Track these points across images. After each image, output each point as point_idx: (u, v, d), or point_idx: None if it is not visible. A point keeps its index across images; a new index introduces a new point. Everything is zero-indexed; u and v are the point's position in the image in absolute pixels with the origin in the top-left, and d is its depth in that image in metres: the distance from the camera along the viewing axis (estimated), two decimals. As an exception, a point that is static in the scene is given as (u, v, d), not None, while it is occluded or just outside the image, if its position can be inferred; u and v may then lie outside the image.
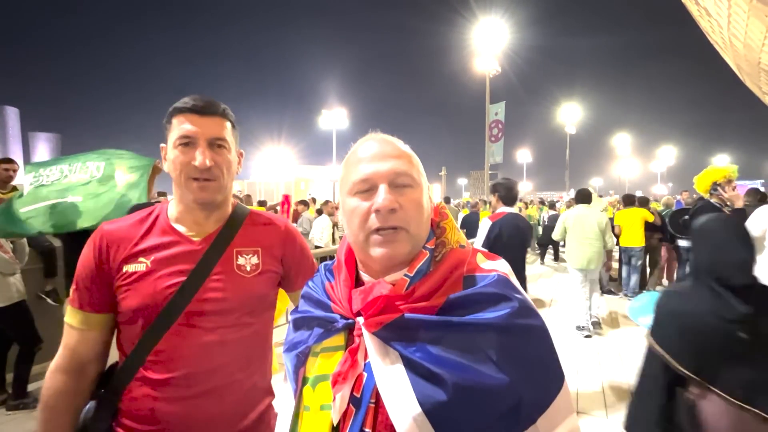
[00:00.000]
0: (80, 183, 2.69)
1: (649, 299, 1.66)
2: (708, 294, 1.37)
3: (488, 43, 17.60)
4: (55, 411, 0.92)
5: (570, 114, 35.66)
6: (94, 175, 2.70)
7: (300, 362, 0.72)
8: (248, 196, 10.65)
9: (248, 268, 1.00)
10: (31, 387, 3.27)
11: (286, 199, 6.77)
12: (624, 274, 6.40)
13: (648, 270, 6.77)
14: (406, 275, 0.65)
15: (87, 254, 0.96)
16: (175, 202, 1.01)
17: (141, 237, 0.96)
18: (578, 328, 4.66)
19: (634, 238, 6.11)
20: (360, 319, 0.65)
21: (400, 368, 0.59)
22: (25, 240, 3.41)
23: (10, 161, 3.99)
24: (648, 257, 6.68)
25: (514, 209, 3.11)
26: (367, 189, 0.65)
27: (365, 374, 0.63)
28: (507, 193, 3.11)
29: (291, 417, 0.71)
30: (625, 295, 6.32)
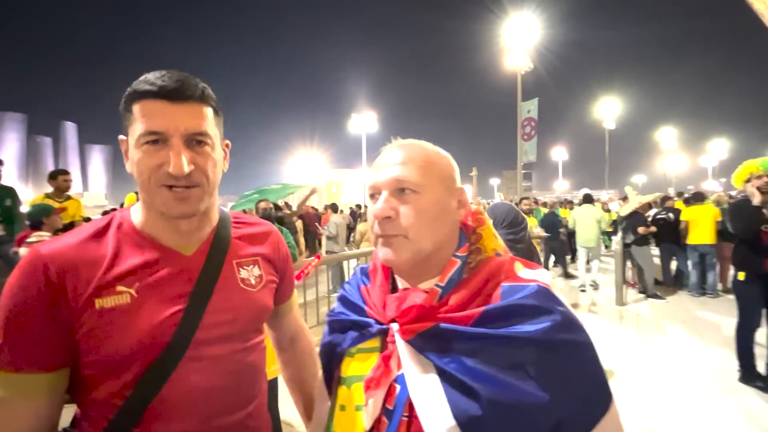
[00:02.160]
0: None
1: None
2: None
3: (520, 39, 17.16)
4: None
5: (609, 108, 34.06)
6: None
7: (336, 364, 0.73)
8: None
9: (253, 281, 0.84)
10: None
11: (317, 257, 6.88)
12: (693, 272, 6.12)
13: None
14: (437, 285, 0.64)
15: (24, 290, 0.65)
16: (143, 208, 0.77)
17: (112, 257, 0.70)
18: (579, 288, 6.58)
19: (706, 235, 5.92)
20: (394, 326, 0.64)
21: (434, 378, 0.58)
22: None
23: (66, 172, 4.34)
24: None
25: None
26: (374, 195, 0.67)
27: (398, 386, 0.62)
28: None
29: (326, 415, 0.71)
30: (702, 293, 5.99)
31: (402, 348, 0.62)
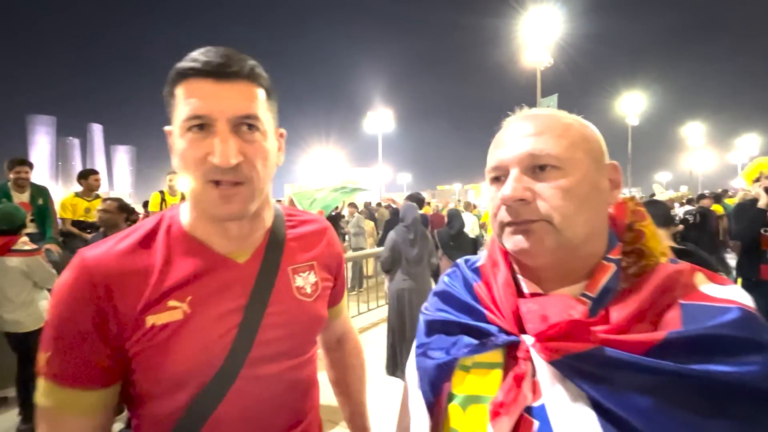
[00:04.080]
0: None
1: None
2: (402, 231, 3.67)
3: (539, 34, 16.83)
4: None
5: (632, 104, 33.06)
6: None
7: (445, 375, 0.59)
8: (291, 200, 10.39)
9: (308, 290, 0.77)
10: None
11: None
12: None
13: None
14: (585, 295, 0.51)
15: (70, 303, 0.61)
16: (191, 207, 0.70)
17: (162, 268, 0.65)
18: None
19: None
20: (528, 339, 0.51)
21: (590, 416, 0.45)
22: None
23: (96, 172, 4.51)
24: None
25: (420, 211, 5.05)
26: (499, 177, 0.55)
27: (536, 422, 0.48)
28: (418, 202, 5.09)
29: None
30: None
31: (543, 371, 0.49)
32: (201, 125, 0.60)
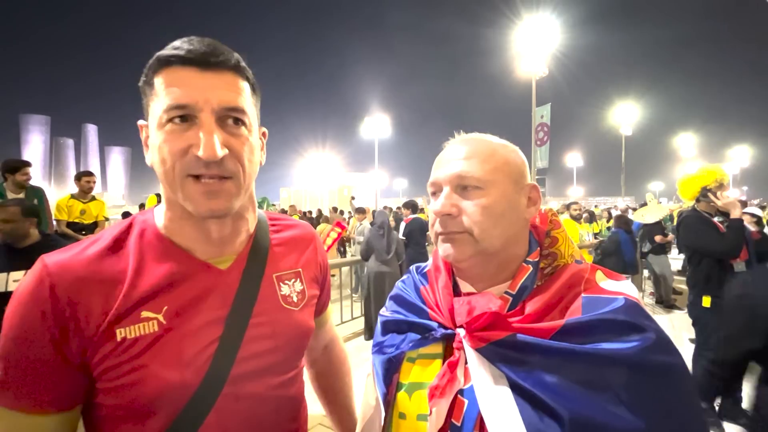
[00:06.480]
0: None
1: None
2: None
3: (534, 45, 17.08)
4: None
5: (626, 114, 33.57)
6: None
7: (393, 367, 0.68)
8: (292, 206, 10.04)
9: (295, 299, 0.72)
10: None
11: (339, 225, 6.33)
12: None
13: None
14: (507, 293, 0.61)
15: (27, 314, 0.53)
16: (167, 208, 0.64)
17: (134, 275, 0.58)
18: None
19: None
20: (461, 331, 0.60)
21: (506, 392, 0.53)
22: None
23: (91, 174, 4.49)
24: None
25: (417, 215, 5.94)
26: (436, 192, 0.65)
27: (466, 401, 0.57)
28: (412, 208, 6.10)
29: (381, 422, 0.66)
30: None
31: (471, 357, 0.58)
32: (183, 116, 0.56)
